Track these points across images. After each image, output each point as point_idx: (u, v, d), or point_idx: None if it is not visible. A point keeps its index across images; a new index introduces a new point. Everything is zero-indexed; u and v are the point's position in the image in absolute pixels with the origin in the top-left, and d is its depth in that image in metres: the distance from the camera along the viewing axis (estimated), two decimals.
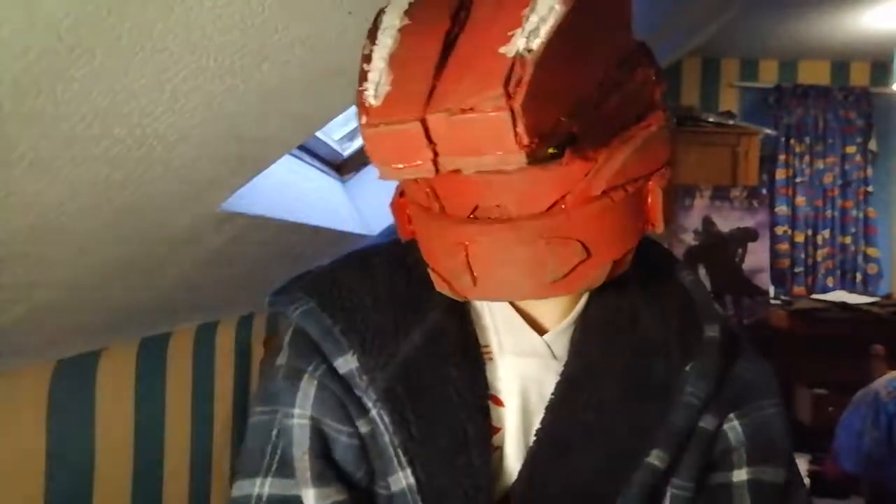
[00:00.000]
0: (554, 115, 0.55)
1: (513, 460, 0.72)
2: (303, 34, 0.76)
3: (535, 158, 0.53)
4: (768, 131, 4.19)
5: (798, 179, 4.47)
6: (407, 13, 0.59)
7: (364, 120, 0.55)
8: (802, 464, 3.37)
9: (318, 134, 1.75)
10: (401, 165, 0.55)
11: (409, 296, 0.73)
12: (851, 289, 4.35)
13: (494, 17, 0.56)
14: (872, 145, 4.49)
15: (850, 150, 4.47)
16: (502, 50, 0.53)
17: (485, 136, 0.53)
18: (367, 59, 0.58)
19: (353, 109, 1.16)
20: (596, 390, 0.71)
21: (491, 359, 0.72)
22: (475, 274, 0.61)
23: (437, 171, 0.55)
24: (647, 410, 0.71)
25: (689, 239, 3.87)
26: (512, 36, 0.53)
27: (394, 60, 0.57)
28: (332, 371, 0.70)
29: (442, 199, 0.63)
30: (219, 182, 1.01)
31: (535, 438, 0.70)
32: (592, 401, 0.70)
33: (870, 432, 2.74)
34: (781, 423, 0.76)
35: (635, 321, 0.74)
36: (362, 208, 2.04)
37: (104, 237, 0.89)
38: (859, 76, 4.51)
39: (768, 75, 4.53)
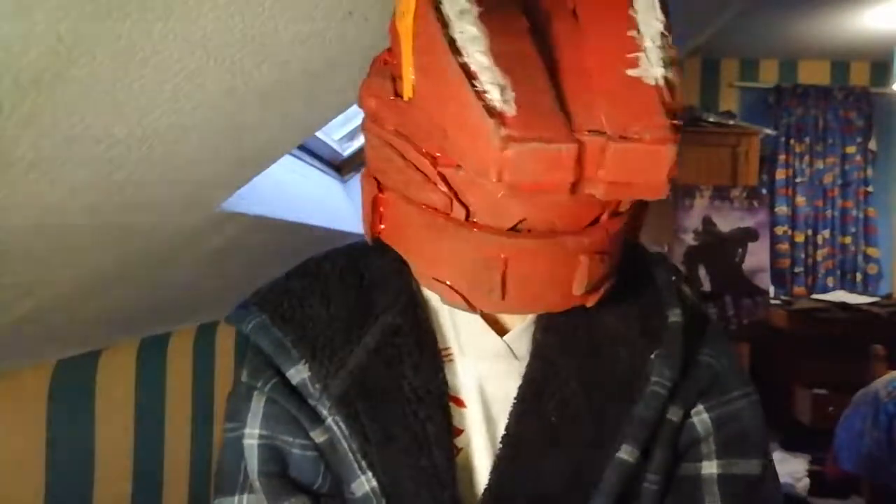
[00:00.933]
0: None
1: (479, 463, 0.70)
2: (303, 34, 0.76)
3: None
4: (768, 131, 4.19)
5: (798, 179, 4.47)
6: None
7: (504, 132, 0.50)
8: (802, 464, 3.37)
9: (318, 134, 1.75)
10: (535, 184, 0.52)
11: (361, 299, 0.71)
12: (851, 289, 4.35)
13: (597, 28, 0.55)
14: (872, 145, 4.49)
15: (850, 150, 4.48)
16: (635, 73, 0.53)
17: (640, 165, 0.52)
18: (454, 47, 0.52)
19: (353, 109, 1.16)
20: (559, 390, 0.69)
21: (451, 360, 0.71)
22: (507, 289, 0.59)
23: (572, 193, 0.53)
24: (614, 405, 0.69)
25: (689, 239, 3.87)
26: (636, 59, 0.53)
27: (498, 58, 0.52)
28: (285, 384, 0.69)
29: (472, 207, 0.59)
30: (219, 182, 1.01)
31: (500, 444, 0.69)
32: (556, 401, 0.69)
33: (870, 432, 2.75)
34: (753, 413, 0.74)
35: (594, 314, 0.71)
36: None
37: (104, 237, 0.89)
38: (859, 76, 4.51)
39: (768, 75, 4.54)
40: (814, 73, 4.52)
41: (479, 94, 0.51)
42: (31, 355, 1.06)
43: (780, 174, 4.47)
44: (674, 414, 0.71)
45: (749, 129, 4.03)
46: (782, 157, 4.47)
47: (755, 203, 3.92)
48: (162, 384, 1.47)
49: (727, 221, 3.89)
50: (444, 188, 0.58)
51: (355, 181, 2.09)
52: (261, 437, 0.70)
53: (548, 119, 0.51)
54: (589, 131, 0.51)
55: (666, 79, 0.53)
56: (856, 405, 2.87)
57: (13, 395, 1.06)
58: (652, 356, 0.70)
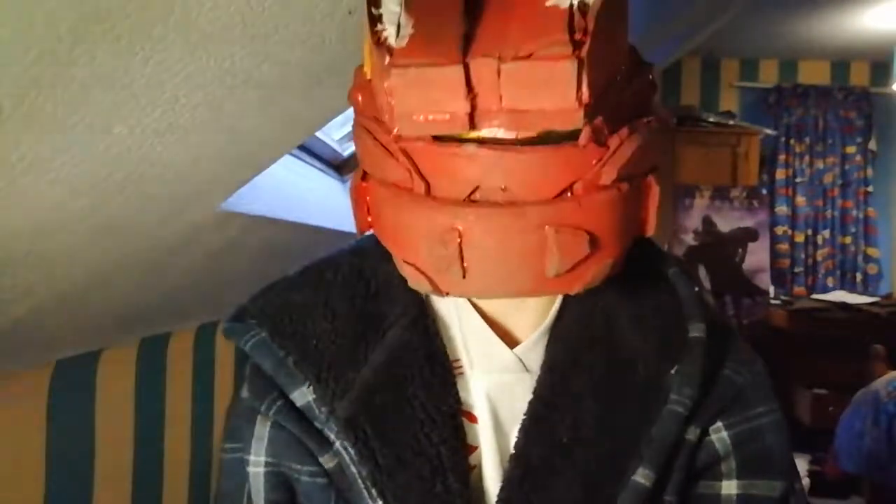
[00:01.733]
0: (601, 82, 0.50)
1: (491, 479, 0.67)
2: (303, 34, 0.76)
3: (583, 125, 0.48)
4: (768, 131, 4.19)
5: (798, 179, 4.47)
6: None
7: (386, 60, 0.48)
8: (802, 464, 3.37)
9: (318, 134, 1.75)
10: (428, 117, 0.49)
11: (367, 312, 0.67)
12: (851, 289, 4.35)
13: None
14: (872, 145, 4.49)
15: (850, 150, 4.48)
16: (553, 2, 0.48)
17: (542, 88, 0.47)
18: (375, 1, 0.52)
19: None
20: (571, 407, 0.65)
21: (462, 373, 0.67)
22: (466, 265, 0.54)
23: (471, 126, 0.49)
24: (630, 424, 0.65)
25: (689, 239, 3.87)
26: None
27: (411, 4, 0.50)
28: (290, 406, 0.65)
29: (430, 179, 0.55)
30: (219, 182, 1.01)
31: (509, 463, 0.65)
32: (568, 419, 0.65)
33: (870, 432, 2.74)
34: (776, 431, 0.70)
35: (610, 326, 0.68)
36: None
37: (104, 237, 0.89)
38: (859, 76, 4.51)
39: (768, 75, 4.54)
40: (814, 73, 4.52)
41: (375, 35, 0.50)
42: (31, 355, 1.06)
43: (780, 174, 4.47)
44: (692, 433, 0.67)
45: (749, 129, 4.03)
46: (782, 157, 4.47)
47: (755, 203, 3.92)
48: (162, 384, 1.46)
49: (727, 221, 3.89)
50: (404, 160, 0.55)
51: None
52: (267, 464, 0.67)
53: (436, 47, 0.48)
54: (485, 55, 0.48)
55: (582, 2, 0.48)
56: (856, 405, 2.87)
57: (13, 395, 1.06)
58: (672, 372, 0.66)
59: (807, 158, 4.47)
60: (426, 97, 0.49)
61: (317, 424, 0.65)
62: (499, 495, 0.65)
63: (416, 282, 0.58)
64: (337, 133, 1.99)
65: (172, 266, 1.15)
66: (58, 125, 0.63)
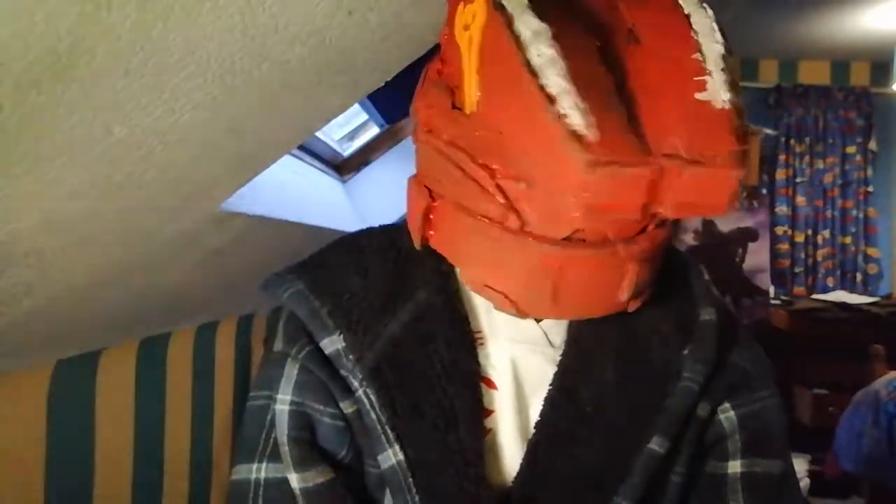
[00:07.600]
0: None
1: (507, 445, 0.72)
2: (303, 34, 0.76)
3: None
4: (768, 131, 4.19)
5: (798, 179, 4.47)
6: (534, 12, 0.54)
7: (588, 157, 0.51)
8: (802, 464, 3.37)
9: (318, 134, 1.75)
10: (610, 204, 0.53)
11: (397, 274, 0.73)
12: (851, 289, 4.35)
13: (661, 51, 0.56)
14: (872, 145, 4.49)
15: (850, 150, 4.48)
16: (703, 97, 0.53)
17: (709, 188, 0.53)
18: (531, 69, 0.52)
19: (354, 109, 1.15)
20: (594, 379, 0.71)
21: (482, 343, 0.72)
22: (559, 296, 0.61)
23: (643, 214, 0.54)
24: (646, 397, 0.71)
25: (689, 239, 3.87)
26: (703, 82, 0.54)
27: (576, 81, 0.52)
28: (318, 352, 0.71)
29: (526, 217, 0.59)
30: (219, 182, 1.01)
31: (534, 431, 0.70)
32: (591, 390, 0.70)
33: (870, 432, 2.74)
34: (777, 413, 0.76)
35: None
36: (362, 208, 2.04)
37: (104, 237, 0.89)
38: (859, 76, 4.51)
39: (768, 75, 4.54)
40: (814, 73, 4.52)
41: (561, 118, 0.51)
42: (31, 355, 1.06)
43: (780, 174, 4.47)
44: (702, 409, 0.73)
45: (749, 129, 4.02)
46: (782, 157, 4.47)
47: (755, 203, 3.92)
48: (162, 384, 1.46)
49: (727, 221, 3.89)
50: (502, 199, 0.59)
51: (355, 181, 2.09)
52: (292, 402, 0.72)
53: (626, 143, 0.52)
54: (664, 155, 0.52)
55: (733, 103, 0.54)
56: (856, 405, 2.87)
57: (13, 395, 1.06)
58: (685, 352, 0.72)
59: (807, 158, 4.48)
60: (618, 191, 0.52)
61: (342, 372, 0.70)
62: (524, 459, 0.70)
63: (502, 307, 0.64)
64: (337, 133, 2.00)
65: (172, 266, 1.15)
66: (58, 125, 0.63)
